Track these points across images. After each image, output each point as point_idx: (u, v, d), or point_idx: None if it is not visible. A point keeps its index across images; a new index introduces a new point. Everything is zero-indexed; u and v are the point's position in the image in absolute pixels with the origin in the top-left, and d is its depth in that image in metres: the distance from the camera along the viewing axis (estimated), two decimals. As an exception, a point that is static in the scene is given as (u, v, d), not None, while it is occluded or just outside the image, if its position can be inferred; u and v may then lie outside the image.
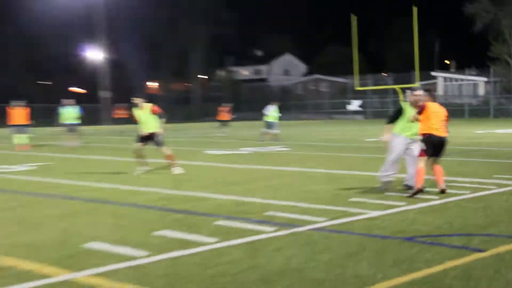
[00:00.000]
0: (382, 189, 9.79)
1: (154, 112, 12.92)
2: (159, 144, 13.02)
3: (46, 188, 10.75)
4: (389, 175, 9.89)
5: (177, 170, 12.86)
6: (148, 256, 5.75)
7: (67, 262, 5.59)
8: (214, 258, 5.66)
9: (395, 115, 9.88)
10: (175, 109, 74.66)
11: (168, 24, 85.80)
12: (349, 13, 54.72)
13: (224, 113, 33.90)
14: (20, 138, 22.51)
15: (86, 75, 79.02)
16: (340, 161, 15.42)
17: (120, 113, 38.38)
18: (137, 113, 13.10)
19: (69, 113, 23.38)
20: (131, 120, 13.47)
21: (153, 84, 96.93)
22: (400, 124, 9.80)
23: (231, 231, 6.82)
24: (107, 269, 5.31)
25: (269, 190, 10.15)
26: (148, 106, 12.94)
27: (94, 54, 65.36)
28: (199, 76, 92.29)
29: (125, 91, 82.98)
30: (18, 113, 23.01)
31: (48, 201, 9.32)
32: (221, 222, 7.34)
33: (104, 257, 5.74)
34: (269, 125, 25.87)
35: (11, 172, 13.75)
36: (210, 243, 6.27)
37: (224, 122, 33.79)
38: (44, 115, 69.22)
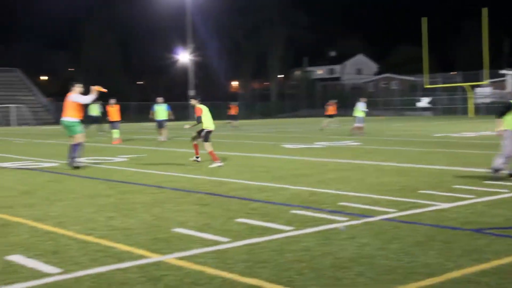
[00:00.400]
0: (491, 173, 9.75)
1: (196, 114, 12.94)
2: (202, 138, 13.05)
3: (139, 178, 11.03)
4: (501, 166, 9.74)
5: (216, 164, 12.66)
6: (229, 242, 5.77)
7: (157, 245, 5.69)
8: (290, 245, 5.61)
9: (504, 110, 9.85)
10: (254, 106, 75.19)
11: (249, 27, 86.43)
12: (419, 15, 53.15)
13: (331, 108, 35.07)
14: (115, 133, 23.30)
15: (176, 75, 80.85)
16: (409, 155, 15.01)
17: (232, 110, 39.29)
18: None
19: (159, 110, 23.90)
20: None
21: (234, 83, 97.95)
22: (509, 119, 9.76)
23: (305, 220, 6.76)
24: (192, 253, 5.36)
25: (342, 181, 10.00)
26: (196, 107, 13.01)
27: (183, 56, 66.69)
28: (277, 75, 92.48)
29: (210, 89, 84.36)
30: (113, 110, 23.94)
31: (140, 189, 9.55)
32: (296, 211, 7.29)
33: (190, 242, 5.80)
34: (359, 120, 26.76)
35: (109, 163, 14.21)
36: (286, 230, 6.22)
37: (330, 116, 34.81)
38: (139, 112, 71.21)
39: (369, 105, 76.21)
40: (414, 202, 7.79)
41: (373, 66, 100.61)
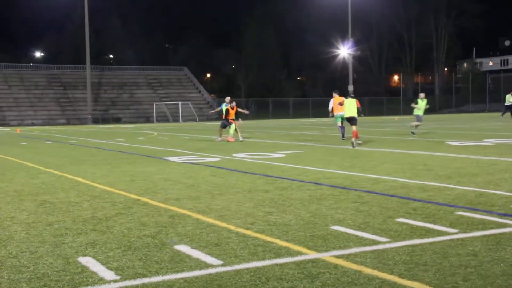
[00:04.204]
0: None
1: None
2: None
3: (297, 174, 11.22)
4: None
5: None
6: (388, 242, 5.66)
7: (314, 242, 5.75)
8: (454, 249, 5.36)
9: None
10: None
11: (412, 17, 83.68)
12: None
13: None
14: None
15: (335, 70, 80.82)
16: None
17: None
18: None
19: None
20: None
21: (396, 77, 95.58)
22: None
23: (472, 223, 6.40)
24: (350, 252, 5.34)
25: (515, 182, 9.31)
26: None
27: (342, 50, 66.44)
28: (442, 68, 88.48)
29: (369, 84, 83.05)
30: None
31: (298, 185, 9.70)
32: (462, 213, 6.93)
33: (347, 240, 5.79)
34: None
35: (267, 158, 14.62)
36: (450, 233, 5.95)
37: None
38: (299, 108, 72.14)
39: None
40: None
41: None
